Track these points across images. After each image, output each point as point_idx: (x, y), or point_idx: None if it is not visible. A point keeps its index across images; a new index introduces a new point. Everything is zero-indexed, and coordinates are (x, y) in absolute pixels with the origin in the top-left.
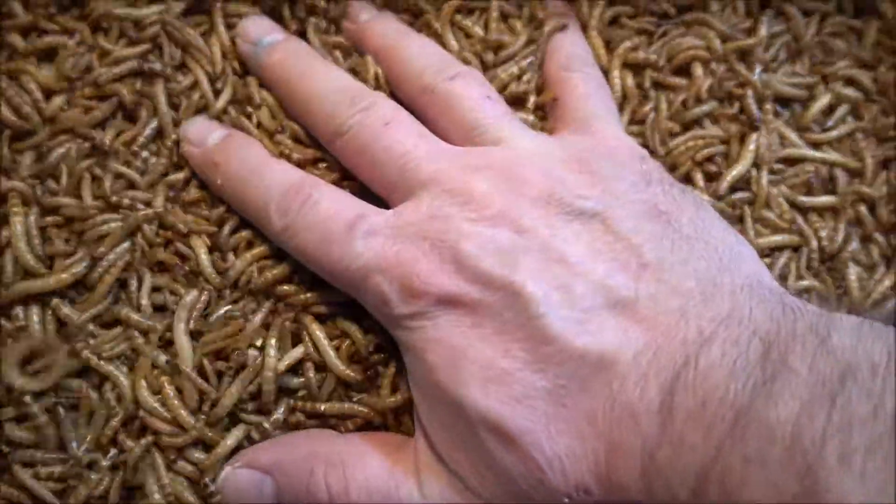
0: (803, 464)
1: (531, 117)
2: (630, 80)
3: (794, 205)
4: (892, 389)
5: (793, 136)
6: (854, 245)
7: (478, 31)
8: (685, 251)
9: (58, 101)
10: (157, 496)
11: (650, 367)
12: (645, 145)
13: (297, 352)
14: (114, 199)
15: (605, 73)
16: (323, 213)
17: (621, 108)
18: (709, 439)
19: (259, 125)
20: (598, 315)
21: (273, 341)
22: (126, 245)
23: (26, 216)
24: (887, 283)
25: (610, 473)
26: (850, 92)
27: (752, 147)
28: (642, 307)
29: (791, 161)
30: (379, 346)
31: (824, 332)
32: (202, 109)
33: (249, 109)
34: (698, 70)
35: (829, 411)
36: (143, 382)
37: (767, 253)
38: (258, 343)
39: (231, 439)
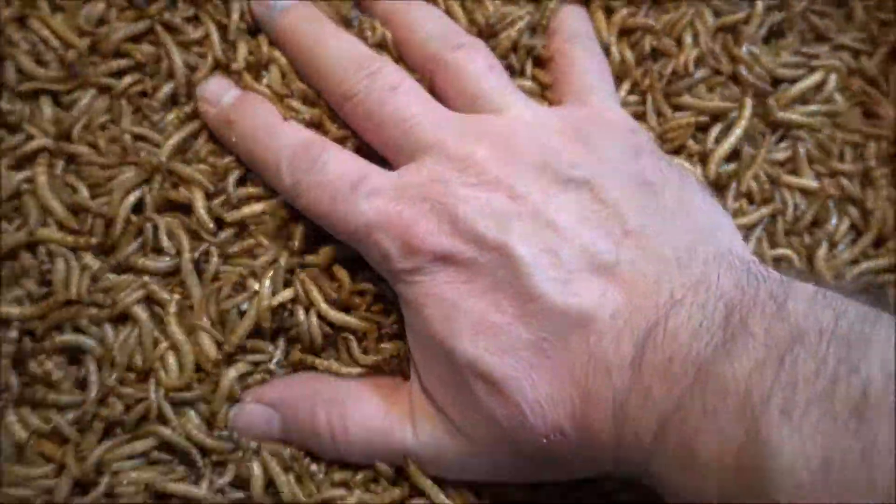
0: (751, 416)
1: (529, 83)
2: (629, 53)
3: (775, 181)
4: (834, 353)
5: (776, 109)
6: (833, 220)
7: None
8: (666, 220)
9: (75, 52)
10: (168, 432)
11: (625, 325)
12: (643, 114)
13: (288, 292)
14: (128, 145)
15: (606, 47)
16: (330, 172)
17: (621, 79)
18: (672, 391)
19: (269, 87)
20: (582, 277)
21: (267, 280)
22: (138, 193)
23: (52, 168)
24: (847, 256)
25: (584, 419)
26: (837, 62)
27: (745, 121)
28: (622, 271)
29: (775, 126)
30: (378, 296)
31: (782, 299)
32: (217, 67)
33: (262, 71)
34: (687, 38)
35: (778, 370)
36: (174, 319)
37: (751, 224)
38: (255, 287)
39: (233, 372)
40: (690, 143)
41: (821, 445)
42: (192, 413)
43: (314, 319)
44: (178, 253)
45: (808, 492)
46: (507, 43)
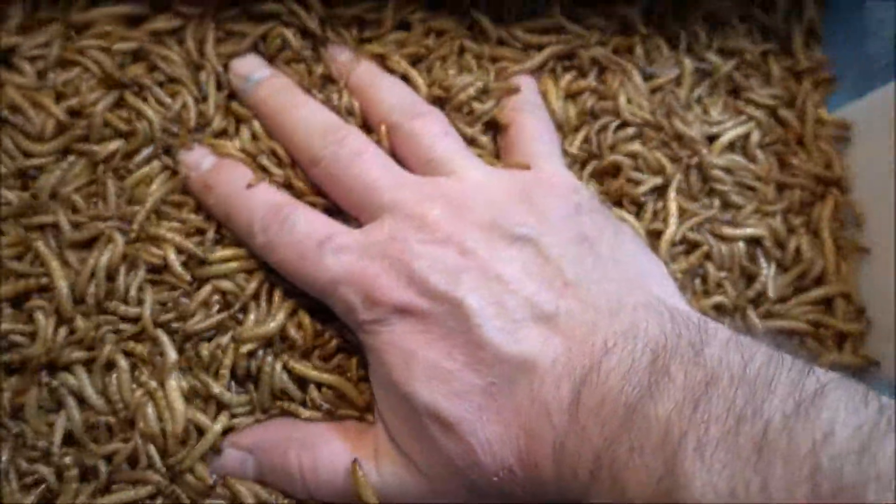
0: (670, 451)
1: (479, 134)
2: (573, 113)
3: (711, 231)
4: (742, 395)
5: (709, 157)
6: (762, 263)
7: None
8: (601, 272)
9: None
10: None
11: (564, 370)
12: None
13: (266, 330)
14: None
15: (559, 120)
16: (299, 232)
17: (567, 135)
18: (604, 431)
19: (243, 150)
20: (525, 326)
21: (243, 330)
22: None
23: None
24: (773, 295)
25: (529, 457)
26: (759, 114)
27: (674, 204)
28: (561, 320)
29: (707, 177)
30: (345, 343)
31: (699, 346)
32: (195, 129)
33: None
34: (621, 98)
35: (694, 410)
36: (174, 384)
37: (684, 270)
38: (229, 335)
39: (217, 427)
40: (628, 188)
41: (726, 478)
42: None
43: (279, 370)
44: (140, 303)
45: None
46: (463, 100)
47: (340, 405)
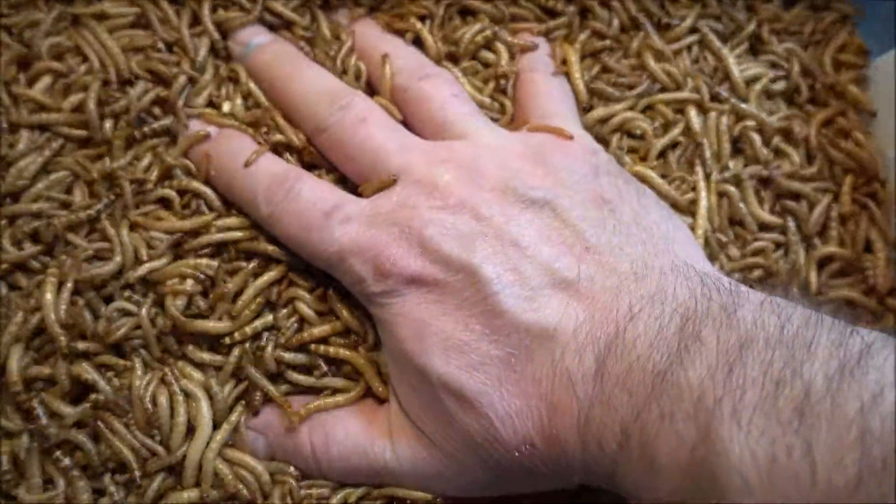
0: (704, 418)
1: (486, 99)
2: (592, 72)
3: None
4: (779, 357)
5: (743, 105)
6: (792, 228)
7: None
8: (623, 236)
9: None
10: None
11: (587, 338)
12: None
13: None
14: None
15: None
16: (304, 202)
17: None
18: (632, 399)
19: (240, 117)
20: (544, 293)
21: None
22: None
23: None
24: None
25: (551, 430)
26: (785, 64)
27: (703, 205)
28: (583, 286)
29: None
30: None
31: (732, 309)
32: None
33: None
34: (649, 60)
35: (728, 375)
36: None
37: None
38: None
39: (234, 416)
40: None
41: (766, 444)
42: None
43: (270, 352)
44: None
45: (754, 488)
46: (472, 49)
47: (352, 385)
